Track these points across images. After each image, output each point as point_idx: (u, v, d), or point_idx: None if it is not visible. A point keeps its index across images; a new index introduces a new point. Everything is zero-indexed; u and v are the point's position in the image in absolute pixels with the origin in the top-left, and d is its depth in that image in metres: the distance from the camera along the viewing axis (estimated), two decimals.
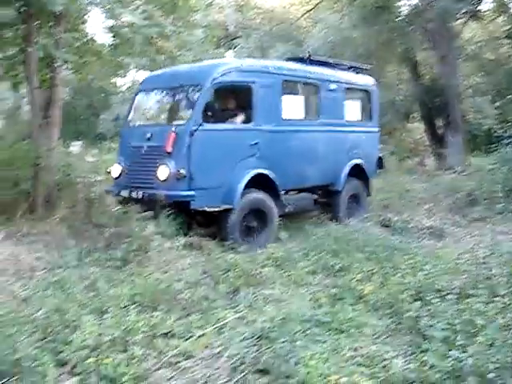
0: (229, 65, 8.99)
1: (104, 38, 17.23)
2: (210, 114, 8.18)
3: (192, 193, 7.72)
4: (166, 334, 4.67)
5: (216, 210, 7.92)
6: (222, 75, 8.43)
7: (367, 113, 11.39)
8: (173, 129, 7.99)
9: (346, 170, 10.37)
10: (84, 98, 29.00)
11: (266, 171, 8.62)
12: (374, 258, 6.97)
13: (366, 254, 7.11)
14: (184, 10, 17.20)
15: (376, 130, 11.44)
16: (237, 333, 4.62)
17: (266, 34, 24.60)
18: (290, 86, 9.58)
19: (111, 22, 17.61)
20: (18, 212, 9.15)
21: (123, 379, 3.84)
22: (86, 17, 17.26)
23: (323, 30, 21.01)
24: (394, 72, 22.61)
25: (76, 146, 18.84)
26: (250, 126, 8.73)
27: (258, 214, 8.51)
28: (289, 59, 10.78)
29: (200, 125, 7.90)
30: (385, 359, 4.18)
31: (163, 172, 7.82)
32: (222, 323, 4.83)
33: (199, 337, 4.59)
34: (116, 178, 8.74)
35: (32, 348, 4.09)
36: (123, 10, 16.33)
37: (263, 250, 7.44)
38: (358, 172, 10.65)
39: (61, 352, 4.18)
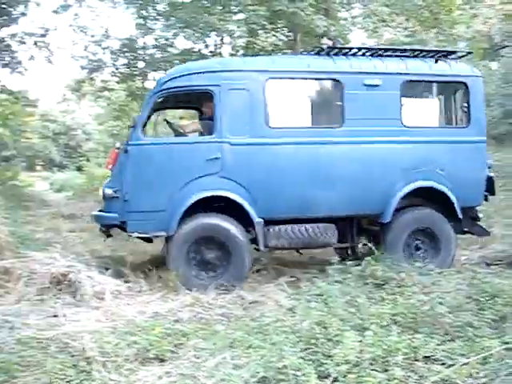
0: (183, 68, 7.74)
1: None
2: (154, 126, 7.57)
3: (114, 215, 6.92)
4: (428, 357, 4.50)
5: (146, 236, 7.07)
6: (169, 81, 7.28)
7: (460, 115, 8.23)
8: (116, 145, 7.33)
9: (399, 195, 7.52)
10: None
11: (229, 193, 7.06)
12: None
13: None
14: (446, 24, 16.76)
15: (478, 138, 7.88)
16: (504, 365, 4.28)
17: None
18: (284, 85, 7.63)
19: (373, 41, 17.87)
20: None
21: None
22: (348, 37, 17.77)
23: None
24: None
25: None
26: (207, 138, 7.26)
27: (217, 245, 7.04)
28: (306, 52, 8.49)
29: (135, 140, 7.05)
30: None
31: (102, 192, 7.18)
32: (487, 353, 4.51)
33: (462, 365, 4.34)
34: None
35: (296, 357, 4.25)
36: (386, 28, 16.49)
37: None
38: (435, 199, 7.75)
39: (322, 364, 4.26)
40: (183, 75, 7.35)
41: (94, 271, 6.62)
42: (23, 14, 22.38)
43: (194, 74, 7.36)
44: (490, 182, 7.89)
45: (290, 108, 7.53)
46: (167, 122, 8.17)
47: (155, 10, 18.84)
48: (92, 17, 21.15)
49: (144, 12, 18.96)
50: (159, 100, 7.41)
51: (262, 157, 7.23)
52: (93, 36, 21.11)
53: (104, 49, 20.37)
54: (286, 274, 7.36)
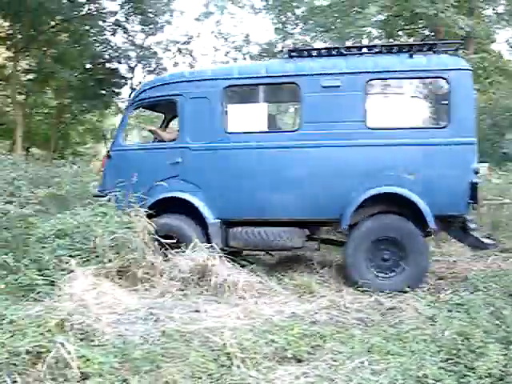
0: (154, 79, 8.40)
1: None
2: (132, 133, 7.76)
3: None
4: None
5: None
6: (142, 92, 8.07)
7: (439, 114, 7.53)
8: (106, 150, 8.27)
9: (357, 201, 7.08)
10: (488, 118, 28.46)
11: (186, 195, 7.51)
12: None
13: None
14: None
15: (460, 139, 7.00)
16: None
17: None
18: (241, 92, 7.96)
19: None
20: None
21: None
22: (494, 36, 17.00)
23: None
24: None
25: (482, 168, 18.58)
26: (170, 144, 7.94)
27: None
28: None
29: (115, 146, 8.02)
30: None
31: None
32: None
33: None
34: None
35: (436, 367, 4.14)
36: None
37: None
38: (403, 206, 7.08)
39: (464, 376, 4.11)
40: (153, 87, 8.03)
41: (232, 268, 6.80)
42: (168, 23, 23.55)
43: (162, 85, 7.95)
44: (472, 188, 6.93)
45: (248, 113, 7.68)
46: (150, 131, 8.97)
47: (294, 14, 19.07)
48: (233, 23, 21.81)
49: (283, 17, 19.25)
50: (133, 110, 8.44)
51: (218, 161, 7.54)
52: (233, 42, 21.78)
53: (244, 54, 20.93)
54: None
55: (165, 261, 6.85)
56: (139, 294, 6.21)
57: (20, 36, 20.82)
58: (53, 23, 21.63)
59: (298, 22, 19.15)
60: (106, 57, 23.29)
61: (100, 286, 5.68)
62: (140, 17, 22.70)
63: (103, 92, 24.21)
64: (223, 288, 6.27)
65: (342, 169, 7.23)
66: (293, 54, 7.74)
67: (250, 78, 7.69)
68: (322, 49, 7.84)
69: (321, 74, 7.34)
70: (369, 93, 7.28)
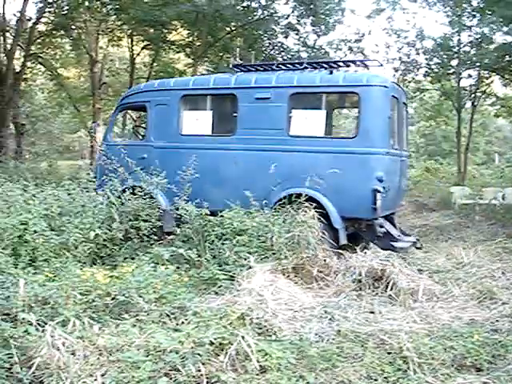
0: (132, 88, 10.08)
1: None
2: (119, 132, 8.52)
3: None
4: None
5: None
6: (124, 98, 10.03)
7: (350, 125, 6.65)
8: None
9: (275, 199, 8.09)
10: None
11: (144, 185, 8.45)
12: None
13: None
14: None
15: (364, 149, 7.93)
16: None
17: None
18: (193, 101, 9.46)
19: None
20: None
21: None
22: None
23: None
24: None
25: None
26: (139, 141, 10.11)
27: None
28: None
29: (105, 141, 9.85)
30: None
31: None
32: None
33: None
34: None
35: None
36: None
37: None
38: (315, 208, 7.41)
39: None
40: (131, 94, 9.99)
41: (408, 269, 6.69)
42: (339, 22, 23.60)
43: (137, 93, 9.84)
44: (374, 195, 7.68)
45: (197, 119, 9.15)
46: (133, 128, 11.22)
47: (471, 5, 18.25)
48: (406, 18, 21.34)
49: (458, 9, 18.50)
50: (119, 112, 10.33)
51: (173, 158, 8.91)
52: (405, 38, 21.29)
53: (417, 49, 20.38)
54: None
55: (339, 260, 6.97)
56: (314, 291, 6.31)
57: (198, 43, 22.03)
58: (228, 29, 22.60)
59: (474, 13, 18.29)
60: (279, 59, 23.85)
61: (277, 283, 5.86)
62: (312, 18, 22.96)
63: None
64: (399, 288, 6.17)
65: (266, 170, 8.10)
66: (236, 68, 9.45)
67: (201, 89, 9.32)
68: (259, 65, 9.60)
69: (254, 87, 8.67)
70: (292, 105, 8.39)
